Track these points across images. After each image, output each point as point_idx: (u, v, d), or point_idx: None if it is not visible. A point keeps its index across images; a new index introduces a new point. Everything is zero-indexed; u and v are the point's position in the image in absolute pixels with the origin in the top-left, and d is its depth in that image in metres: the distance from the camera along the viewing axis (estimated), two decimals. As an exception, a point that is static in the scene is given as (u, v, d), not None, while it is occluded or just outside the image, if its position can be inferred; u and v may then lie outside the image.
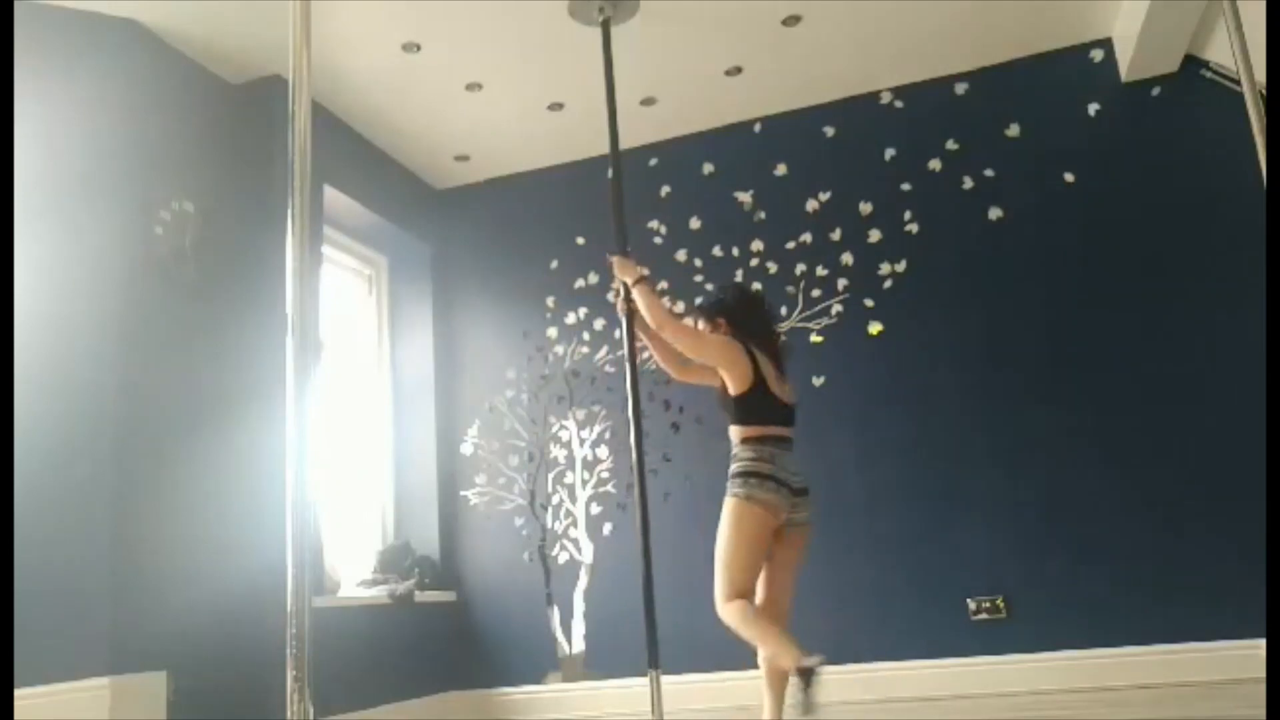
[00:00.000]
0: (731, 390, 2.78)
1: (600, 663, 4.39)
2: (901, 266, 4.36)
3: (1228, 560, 3.66)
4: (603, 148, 3.60)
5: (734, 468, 2.75)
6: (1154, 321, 3.99)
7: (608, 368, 4.68)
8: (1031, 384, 4.08)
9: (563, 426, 4.70)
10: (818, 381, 4.34)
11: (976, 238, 4.29)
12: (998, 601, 3.95)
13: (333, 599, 3.91)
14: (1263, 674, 3.25)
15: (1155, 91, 4.17)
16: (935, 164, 4.41)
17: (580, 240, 4.86)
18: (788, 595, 2.83)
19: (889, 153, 4.48)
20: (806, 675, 2.39)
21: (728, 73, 4.30)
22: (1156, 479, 3.86)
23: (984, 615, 3.95)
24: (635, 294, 2.92)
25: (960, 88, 4.45)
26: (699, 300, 3.43)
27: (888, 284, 4.37)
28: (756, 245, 4.58)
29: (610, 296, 4.66)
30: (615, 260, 3.06)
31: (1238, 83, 2.18)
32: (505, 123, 4.57)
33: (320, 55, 3.76)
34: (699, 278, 4.64)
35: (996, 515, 4.01)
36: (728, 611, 2.67)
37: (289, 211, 1.54)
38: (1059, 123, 4.28)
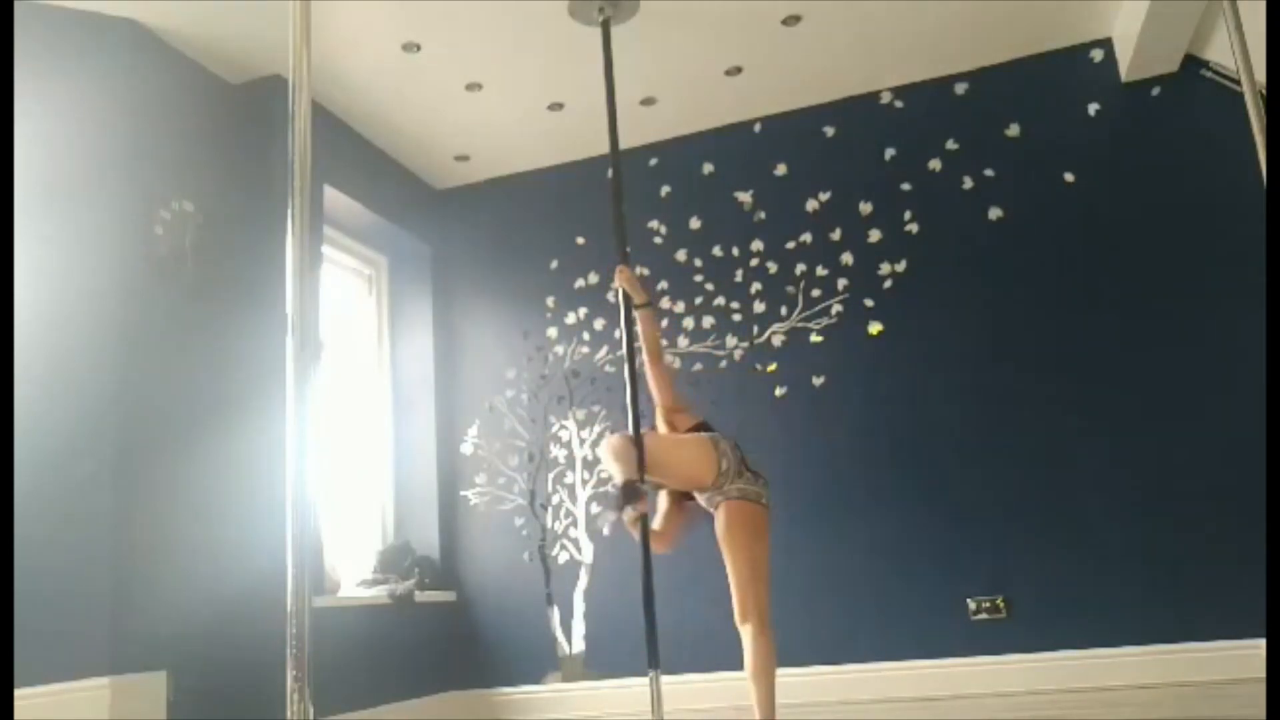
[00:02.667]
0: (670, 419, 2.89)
1: (600, 663, 4.39)
2: (901, 266, 4.36)
3: (1228, 560, 3.66)
4: (603, 148, 3.61)
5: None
6: (1154, 321, 3.99)
7: (608, 368, 4.67)
8: (1031, 384, 4.08)
9: (563, 426, 4.70)
10: (818, 381, 4.34)
11: (976, 238, 4.29)
12: (998, 601, 3.95)
13: (333, 599, 3.91)
14: (1263, 674, 3.25)
15: (1155, 91, 4.17)
16: (935, 164, 4.40)
17: (580, 240, 4.86)
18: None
19: (889, 153, 4.48)
20: None
21: (728, 73, 4.30)
22: (1156, 479, 3.86)
23: (984, 615, 3.95)
24: (641, 317, 2.92)
25: (960, 88, 4.45)
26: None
27: (888, 284, 4.36)
28: (756, 245, 4.58)
29: (610, 296, 4.69)
30: (624, 276, 3.00)
31: (1238, 83, 2.18)
32: (505, 123, 4.57)
33: (320, 55, 3.76)
34: (699, 278, 4.64)
35: (996, 515, 4.01)
36: None
37: (289, 211, 1.54)
38: (1059, 123, 4.28)
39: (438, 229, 5.10)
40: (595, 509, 2.89)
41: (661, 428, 2.88)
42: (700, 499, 2.79)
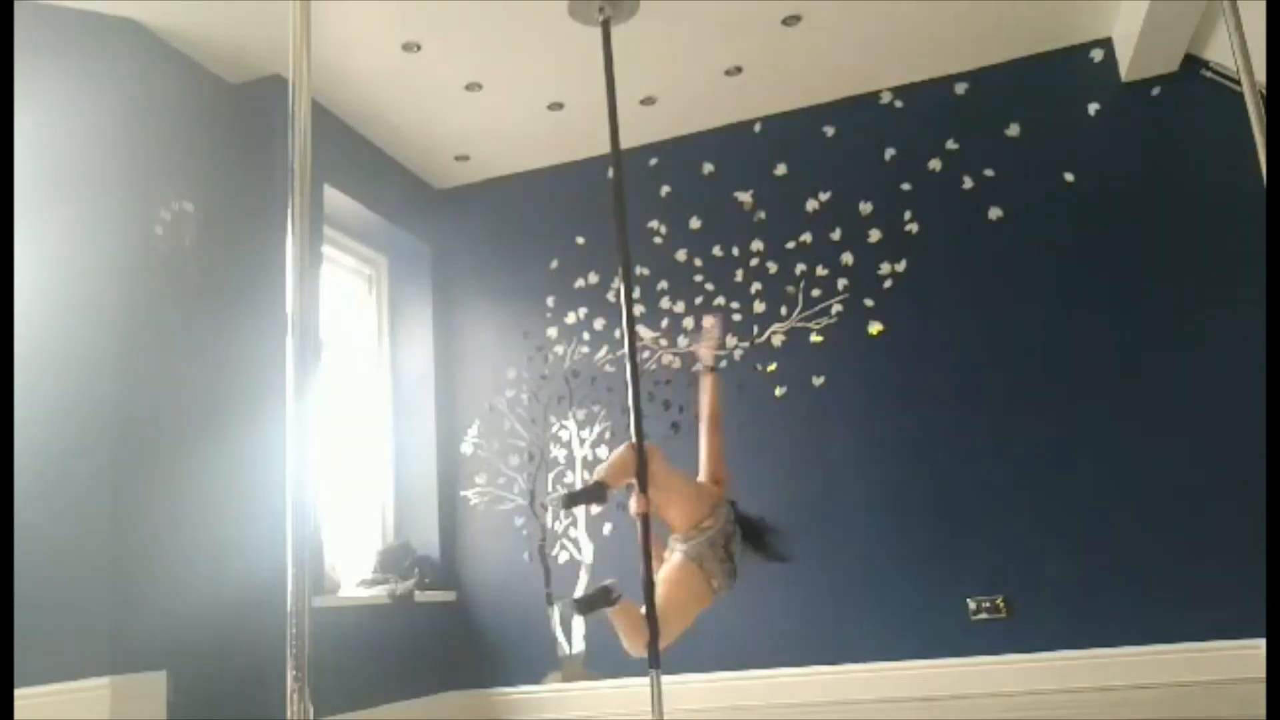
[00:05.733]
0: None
1: (600, 663, 4.39)
2: (901, 266, 4.36)
3: (1227, 560, 3.66)
4: (603, 148, 3.62)
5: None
6: (1153, 321, 3.99)
7: (607, 368, 4.68)
8: (1031, 384, 4.08)
9: (563, 426, 4.70)
10: (818, 381, 4.34)
11: (976, 238, 4.29)
12: (998, 601, 3.95)
13: (333, 599, 3.91)
14: (1263, 674, 3.25)
15: (1155, 91, 4.17)
16: (935, 164, 4.40)
17: (580, 240, 4.86)
18: None
19: (889, 153, 4.48)
20: None
21: (728, 73, 4.30)
22: (1156, 479, 3.86)
23: (984, 615, 3.95)
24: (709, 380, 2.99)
25: (960, 88, 4.45)
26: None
27: (888, 284, 4.36)
28: (756, 245, 4.58)
29: (610, 296, 4.70)
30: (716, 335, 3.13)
31: (1238, 83, 2.19)
32: (505, 123, 4.57)
33: (320, 55, 3.76)
34: (699, 278, 4.64)
35: (996, 515, 4.01)
36: None
37: (289, 211, 1.54)
38: (1059, 123, 4.27)
39: (437, 229, 5.10)
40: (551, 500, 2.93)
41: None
42: (673, 541, 2.80)
